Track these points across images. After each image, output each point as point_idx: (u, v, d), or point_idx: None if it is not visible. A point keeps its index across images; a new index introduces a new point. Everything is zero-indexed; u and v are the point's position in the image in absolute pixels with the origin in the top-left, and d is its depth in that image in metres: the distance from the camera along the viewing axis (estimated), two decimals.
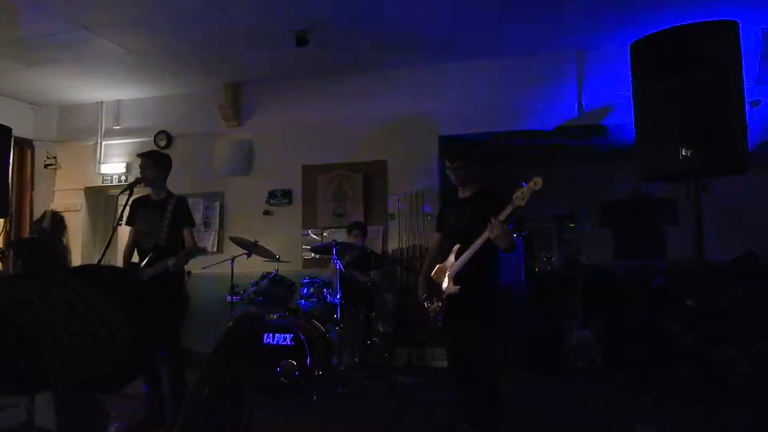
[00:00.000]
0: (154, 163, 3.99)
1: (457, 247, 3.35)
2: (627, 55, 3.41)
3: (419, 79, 6.39)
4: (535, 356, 5.50)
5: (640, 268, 6.82)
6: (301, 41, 5.37)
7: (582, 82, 5.98)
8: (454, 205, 3.59)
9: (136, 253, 4.03)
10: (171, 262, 3.66)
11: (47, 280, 0.99)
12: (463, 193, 3.53)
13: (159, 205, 3.95)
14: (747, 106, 3.21)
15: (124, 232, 4.19)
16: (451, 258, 3.37)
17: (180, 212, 3.95)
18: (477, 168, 3.50)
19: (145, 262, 3.76)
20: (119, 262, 4.43)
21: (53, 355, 0.85)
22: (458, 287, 3.29)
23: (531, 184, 3.06)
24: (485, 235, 3.14)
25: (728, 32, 3.05)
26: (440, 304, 3.42)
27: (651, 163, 3.29)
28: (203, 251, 3.93)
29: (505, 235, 3.08)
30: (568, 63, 6.00)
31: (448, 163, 3.50)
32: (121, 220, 3.92)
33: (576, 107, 5.99)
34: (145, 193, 4.12)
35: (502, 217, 3.10)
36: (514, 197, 3.10)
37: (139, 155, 4.10)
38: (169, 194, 4.03)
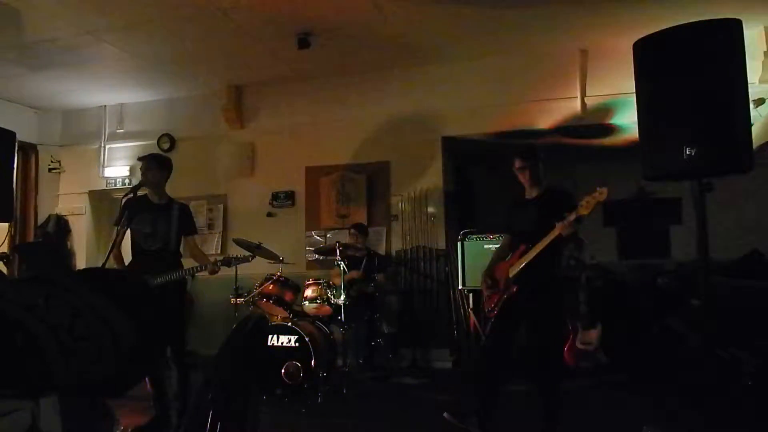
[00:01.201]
0: (156, 165, 3.98)
1: (522, 248, 3.38)
2: (630, 53, 3.40)
3: (422, 80, 6.39)
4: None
5: (644, 268, 6.81)
6: (303, 43, 5.37)
7: (585, 81, 5.97)
8: (521, 206, 3.59)
9: (130, 253, 3.98)
10: (210, 267, 3.86)
11: (52, 284, 0.99)
12: (530, 194, 3.54)
13: (162, 209, 3.95)
14: (751, 105, 3.20)
15: (128, 236, 4.18)
16: (515, 257, 3.42)
17: (185, 218, 4.01)
18: (543, 168, 3.51)
19: (162, 268, 3.79)
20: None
21: (58, 359, 0.85)
22: (515, 287, 3.35)
23: (596, 193, 3.09)
24: (555, 231, 3.18)
25: (732, 30, 3.03)
26: (495, 300, 3.47)
27: (654, 163, 3.27)
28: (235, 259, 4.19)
29: (572, 233, 3.18)
30: (571, 62, 5.99)
31: (516, 163, 3.50)
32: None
33: (579, 106, 5.98)
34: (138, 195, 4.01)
35: (570, 219, 3.14)
36: (579, 204, 3.13)
37: (141, 158, 4.08)
38: (170, 199, 4.04)
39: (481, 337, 5.24)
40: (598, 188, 3.09)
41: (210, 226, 6.93)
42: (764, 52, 5.29)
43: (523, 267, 3.33)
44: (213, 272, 3.89)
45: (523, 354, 3.55)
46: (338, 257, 5.02)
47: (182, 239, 4.03)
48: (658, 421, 3.64)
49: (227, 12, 4.92)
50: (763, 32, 5.31)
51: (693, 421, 3.72)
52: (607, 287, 6.04)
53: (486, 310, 3.64)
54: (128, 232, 3.92)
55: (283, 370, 4.51)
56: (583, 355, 5.33)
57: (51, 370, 0.85)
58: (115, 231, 3.89)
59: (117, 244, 3.83)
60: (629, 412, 4.10)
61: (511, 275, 3.40)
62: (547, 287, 3.36)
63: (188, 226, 4.04)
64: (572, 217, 3.13)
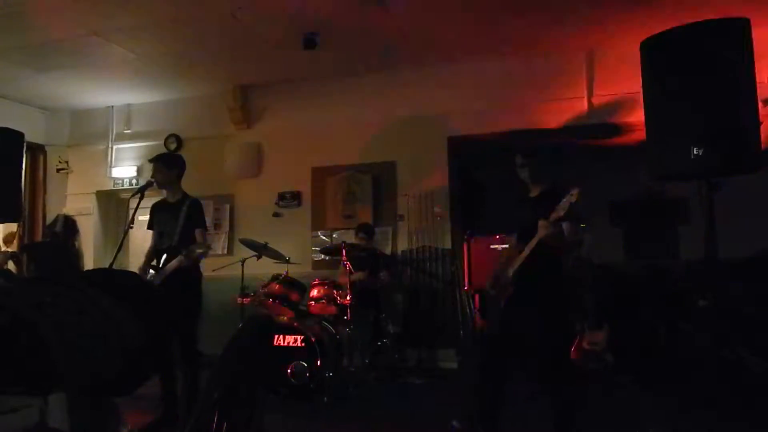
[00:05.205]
0: (164, 166, 4.07)
1: (521, 248, 3.36)
2: (637, 53, 3.38)
3: (428, 80, 6.38)
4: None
5: (651, 268, 6.76)
6: (309, 43, 5.38)
7: (592, 81, 5.95)
8: (524, 204, 3.58)
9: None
10: (179, 258, 3.73)
11: (60, 284, 1.00)
12: (533, 192, 3.53)
13: (174, 207, 4.04)
14: (759, 105, 3.17)
15: (135, 236, 4.27)
16: (513, 257, 3.39)
17: (192, 214, 4.02)
18: (545, 166, 3.49)
19: (161, 264, 3.83)
20: (131, 266, 4.49)
21: (65, 357, 0.86)
22: (511, 290, 3.33)
23: (569, 195, 3.07)
24: (536, 237, 3.17)
25: (739, 30, 3.02)
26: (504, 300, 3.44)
27: (662, 163, 3.26)
28: (207, 247, 3.97)
29: (553, 235, 3.13)
30: (577, 61, 5.97)
31: (517, 161, 3.49)
32: (132, 224, 3.99)
33: (586, 106, 5.96)
34: (163, 196, 4.21)
35: (551, 220, 3.12)
36: (557, 207, 3.11)
37: (150, 161, 4.18)
38: (184, 196, 4.10)
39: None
40: (571, 190, 3.07)
41: (216, 226, 6.95)
42: None
43: (518, 267, 3.31)
44: (181, 264, 3.75)
45: (527, 358, 3.49)
46: (344, 257, 5.03)
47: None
48: (665, 421, 3.62)
49: (234, 13, 4.94)
50: None
51: (700, 422, 3.70)
52: (614, 287, 6.02)
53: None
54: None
55: (289, 370, 4.52)
56: (591, 355, 5.31)
57: (59, 369, 0.85)
58: (150, 234, 4.18)
59: (151, 247, 4.15)
60: (636, 413, 4.08)
61: (510, 275, 3.38)
62: (543, 290, 3.30)
63: (195, 221, 4.03)
64: (553, 218, 3.12)
